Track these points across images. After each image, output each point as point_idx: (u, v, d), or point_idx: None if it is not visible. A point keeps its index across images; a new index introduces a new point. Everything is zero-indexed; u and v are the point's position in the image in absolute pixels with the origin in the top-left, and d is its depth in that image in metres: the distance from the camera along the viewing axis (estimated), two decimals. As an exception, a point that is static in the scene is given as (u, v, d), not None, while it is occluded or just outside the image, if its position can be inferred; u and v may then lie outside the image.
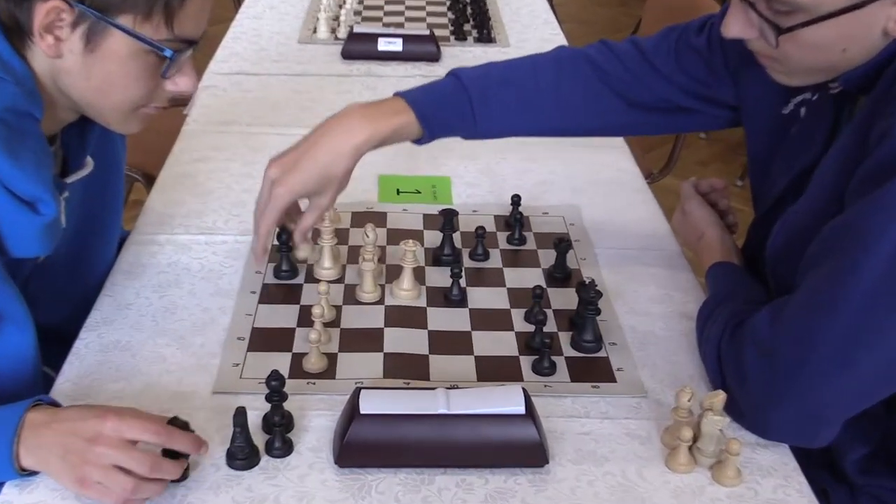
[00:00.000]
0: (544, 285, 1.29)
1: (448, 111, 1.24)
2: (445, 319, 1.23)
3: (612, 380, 1.13)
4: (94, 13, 0.97)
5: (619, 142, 1.72)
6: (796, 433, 1.03)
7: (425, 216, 1.46)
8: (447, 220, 1.35)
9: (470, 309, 1.25)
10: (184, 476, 0.95)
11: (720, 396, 1.00)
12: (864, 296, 0.93)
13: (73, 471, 0.90)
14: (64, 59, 1.01)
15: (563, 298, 1.28)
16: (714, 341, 1.09)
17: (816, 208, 1.04)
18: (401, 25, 2.26)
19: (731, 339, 1.06)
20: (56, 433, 0.92)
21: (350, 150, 1.17)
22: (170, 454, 0.94)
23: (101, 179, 1.22)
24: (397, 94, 1.23)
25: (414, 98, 1.22)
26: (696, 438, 1.00)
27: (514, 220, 1.41)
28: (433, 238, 1.39)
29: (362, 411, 0.98)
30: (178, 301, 1.24)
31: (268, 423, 1.01)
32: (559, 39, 2.24)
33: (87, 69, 1.01)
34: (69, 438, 0.91)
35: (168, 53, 1.02)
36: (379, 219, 1.43)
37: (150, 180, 2.07)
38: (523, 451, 0.98)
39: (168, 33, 1.01)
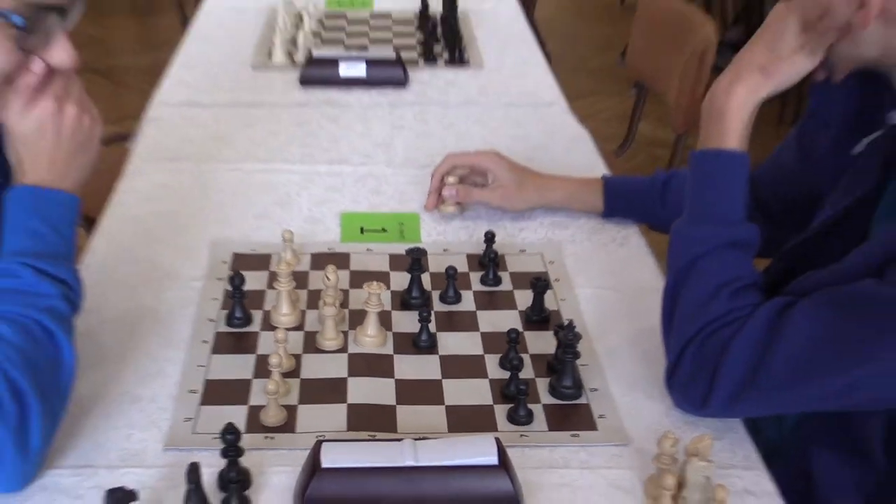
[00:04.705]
0: (521, 328, 1.37)
1: None
2: (414, 367, 1.30)
3: (593, 427, 1.20)
4: None
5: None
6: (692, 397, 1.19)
7: (391, 256, 1.53)
8: (415, 260, 1.42)
9: (440, 355, 1.32)
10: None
11: (706, 441, 1.08)
12: (883, 371, 1.07)
13: None
14: None
15: (541, 342, 1.35)
16: (700, 295, 1.19)
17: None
18: (364, 48, 2.34)
19: (729, 302, 1.17)
20: None
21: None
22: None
23: None
24: None
25: None
26: (680, 486, 1.08)
27: (488, 260, 1.48)
28: (400, 280, 1.46)
29: (324, 465, 1.05)
30: (125, 351, 1.30)
31: (223, 480, 1.08)
32: (538, 60, 2.34)
33: None
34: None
35: (17, 21, 1.01)
36: (341, 260, 1.51)
37: (88, 223, 2.13)
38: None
39: None
